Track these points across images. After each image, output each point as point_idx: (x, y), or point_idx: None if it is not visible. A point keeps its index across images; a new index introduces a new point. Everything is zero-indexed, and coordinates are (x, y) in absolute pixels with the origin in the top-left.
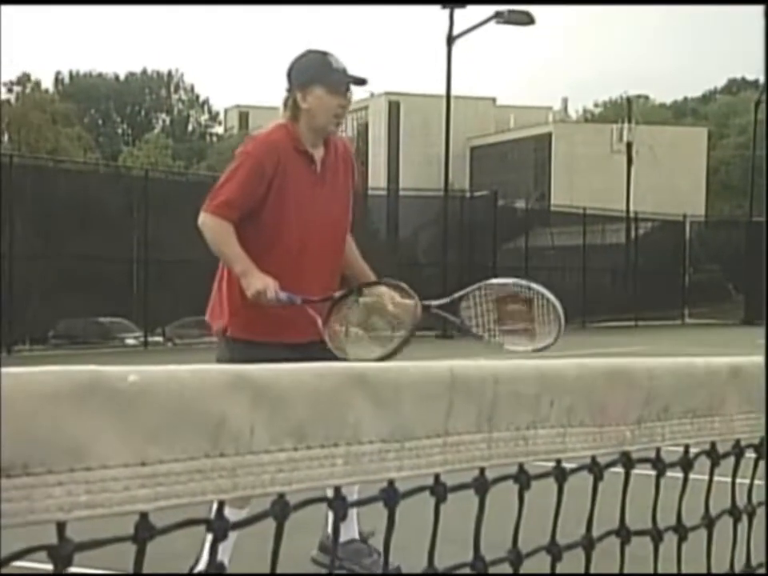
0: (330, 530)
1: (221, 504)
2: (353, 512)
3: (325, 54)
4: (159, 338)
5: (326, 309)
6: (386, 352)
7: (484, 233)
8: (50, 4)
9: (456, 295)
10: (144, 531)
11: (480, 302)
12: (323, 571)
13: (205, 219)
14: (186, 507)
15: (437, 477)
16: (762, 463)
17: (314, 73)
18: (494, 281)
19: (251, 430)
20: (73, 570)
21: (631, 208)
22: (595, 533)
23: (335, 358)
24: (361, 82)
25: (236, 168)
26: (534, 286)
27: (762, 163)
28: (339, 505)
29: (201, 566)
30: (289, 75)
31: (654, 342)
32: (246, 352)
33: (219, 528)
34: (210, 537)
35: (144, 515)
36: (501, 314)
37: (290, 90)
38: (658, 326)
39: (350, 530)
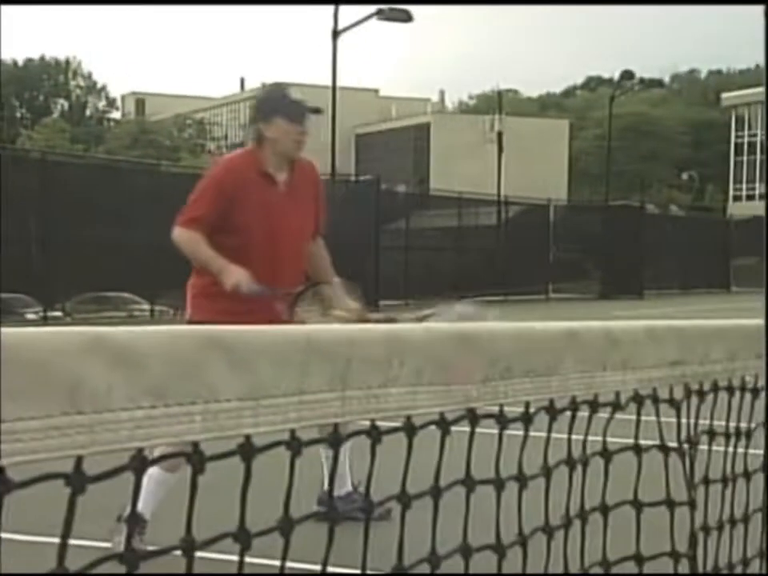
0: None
1: (79, 459)
2: (345, 467)
3: (284, 88)
4: (59, 314)
5: (289, 301)
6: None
7: (368, 215)
8: None
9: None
10: (0, 486)
11: None
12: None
13: (179, 233)
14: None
15: (292, 432)
16: (594, 417)
17: (275, 105)
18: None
19: (108, 389)
20: None
21: (502, 193)
22: (443, 483)
23: None
24: (316, 111)
25: (204, 188)
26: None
27: (616, 153)
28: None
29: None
30: (255, 109)
31: (521, 315)
32: None
33: (77, 482)
34: (143, 490)
35: (0, 470)
36: None
37: (255, 121)
38: (525, 301)
39: (345, 483)
